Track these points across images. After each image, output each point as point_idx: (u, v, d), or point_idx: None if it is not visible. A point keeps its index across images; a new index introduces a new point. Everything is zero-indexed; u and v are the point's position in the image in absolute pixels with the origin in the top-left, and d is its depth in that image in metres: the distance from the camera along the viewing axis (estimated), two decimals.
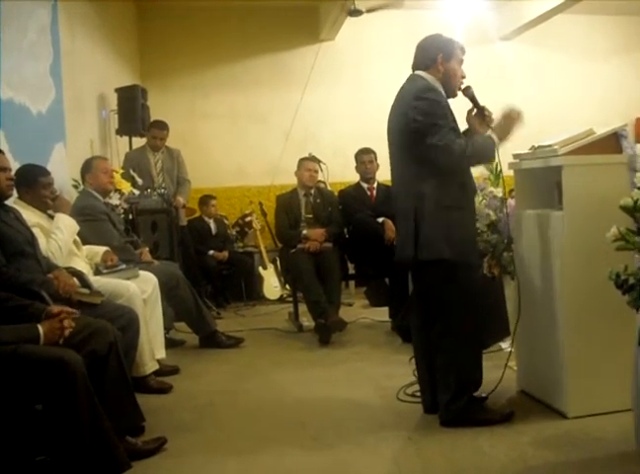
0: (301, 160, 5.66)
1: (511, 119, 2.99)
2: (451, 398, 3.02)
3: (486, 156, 3.01)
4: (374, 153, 5.61)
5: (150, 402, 3.40)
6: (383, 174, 5.71)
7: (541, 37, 7.84)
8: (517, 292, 3.26)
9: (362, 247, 5.33)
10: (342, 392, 3.64)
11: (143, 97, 6.14)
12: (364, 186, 5.60)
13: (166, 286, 4.16)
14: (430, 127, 2.88)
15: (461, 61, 3.12)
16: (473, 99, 3.11)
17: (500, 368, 3.25)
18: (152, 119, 6.10)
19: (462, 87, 3.10)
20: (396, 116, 3.09)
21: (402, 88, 3.14)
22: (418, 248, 2.96)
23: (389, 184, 5.58)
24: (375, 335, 5.05)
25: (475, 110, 3.12)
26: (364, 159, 5.58)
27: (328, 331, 4.77)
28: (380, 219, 5.30)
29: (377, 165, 5.60)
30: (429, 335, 3.12)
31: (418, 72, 3.10)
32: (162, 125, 5.95)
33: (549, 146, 3.06)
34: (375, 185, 5.61)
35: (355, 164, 5.64)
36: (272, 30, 7.67)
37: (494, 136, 2.96)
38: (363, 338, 4.96)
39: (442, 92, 3.04)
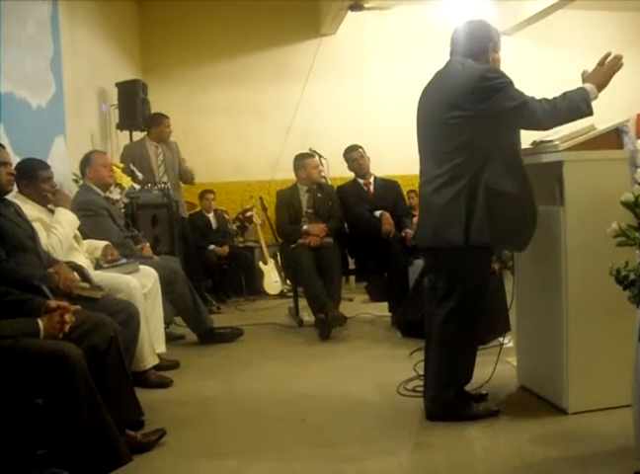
0: (302, 158, 5.59)
1: (608, 65, 2.94)
2: (440, 390, 3.03)
3: (582, 109, 2.86)
4: (362, 148, 5.61)
5: (150, 396, 3.41)
6: (380, 168, 5.75)
7: (542, 32, 7.83)
8: (513, 287, 3.28)
9: (362, 242, 5.34)
10: (342, 387, 3.64)
11: (144, 91, 6.13)
12: (361, 182, 5.59)
13: (164, 281, 4.15)
14: (506, 98, 2.85)
15: (500, 47, 3.14)
16: None
17: (499, 364, 3.26)
18: (154, 113, 6.08)
19: None
20: (443, 101, 2.98)
21: (445, 73, 3.09)
22: (469, 233, 2.89)
23: (387, 178, 5.66)
24: (376, 330, 5.05)
25: None
26: (354, 156, 5.58)
27: (328, 326, 4.78)
28: (378, 212, 5.30)
29: (368, 158, 5.59)
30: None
31: (467, 60, 3.03)
32: (166, 115, 5.99)
33: (550, 142, 3.05)
34: (372, 179, 5.61)
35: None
36: (273, 24, 7.66)
37: (590, 87, 2.88)
38: (364, 333, 4.97)
39: None
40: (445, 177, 2.97)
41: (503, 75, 2.93)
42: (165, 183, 5.60)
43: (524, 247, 3.09)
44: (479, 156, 2.91)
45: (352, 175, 5.71)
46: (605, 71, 2.93)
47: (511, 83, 2.91)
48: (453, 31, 3.14)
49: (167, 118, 5.96)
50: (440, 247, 3.04)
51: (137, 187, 5.19)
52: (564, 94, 2.88)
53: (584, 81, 2.93)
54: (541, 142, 3.14)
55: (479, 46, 3.06)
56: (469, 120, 2.90)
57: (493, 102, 2.86)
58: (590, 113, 2.88)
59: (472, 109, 2.88)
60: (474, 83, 2.88)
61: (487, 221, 2.87)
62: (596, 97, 2.88)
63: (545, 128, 2.97)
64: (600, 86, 2.90)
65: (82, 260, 3.62)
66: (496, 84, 2.87)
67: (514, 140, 3.01)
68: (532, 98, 2.88)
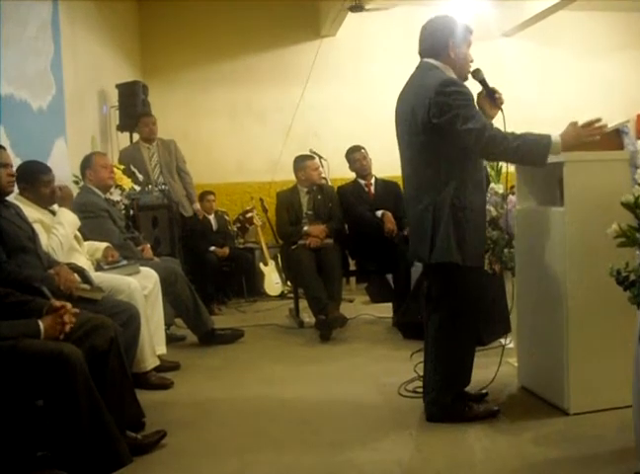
0: (302, 160, 5.59)
1: (589, 130, 2.82)
2: (438, 392, 3.03)
3: (533, 155, 2.80)
4: (364, 148, 5.61)
5: (151, 398, 3.41)
6: (380, 170, 5.74)
7: (543, 33, 7.83)
8: (513, 288, 3.28)
9: (363, 243, 5.34)
10: (342, 388, 3.64)
11: (144, 93, 6.14)
12: (362, 182, 5.60)
13: (164, 283, 4.15)
14: (457, 117, 2.77)
15: (470, 44, 3.04)
16: (483, 81, 3.06)
17: (501, 364, 3.26)
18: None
19: (471, 70, 3.05)
20: (411, 111, 2.95)
21: (414, 78, 3.06)
22: (433, 250, 2.89)
23: (387, 179, 5.66)
24: (376, 331, 5.05)
25: (485, 92, 3.07)
26: (357, 157, 5.58)
27: (329, 327, 4.77)
28: (379, 212, 5.30)
29: (370, 159, 5.59)
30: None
31: (429, 60, 3.00)
32: (148, 112, 5.97)
33: None
34: (373, 180, 5.61)
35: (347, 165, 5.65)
36: (272, 26, 7.66)
37: (556, 138, 2.79)
38: (364, 334, 4.96)
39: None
40: (418, 190, 2.98)
41: (462, 92, 2.85)
42: (164, 184, 5.60)
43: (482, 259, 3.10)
44: (443, 171, 2.89)
45: (352, 176, 5.71)
46: (582, 134, 2.82)
47: (469, 102, 2.84)
48: (420, 30, 3.09)
49: (147, 115, 5.91)
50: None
51: (138, 188, 5.19)
52: (525, 134, 2.81)
53: (562, 133, 2.84)
54: None
55: (438, 43, 2.99)
56: (428, 134, 2.87)
57: (446, 119, 2.80)
58: (541, 164, 2.81)
59: (429, 123, 2.84)
60: (430, 96, 2.83)
61: (454, 239, 2.85)
62: (558, 152, 2.81)
63: (489, 160, 2.91)
64: (569, 146, 2.81)
65: (83, 261, 3.63)
66: (451, 100, 2.81)
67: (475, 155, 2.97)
68: (489, 125, 2.81)
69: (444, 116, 2.80)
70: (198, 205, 6.28)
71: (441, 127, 2.83)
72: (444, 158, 2.89)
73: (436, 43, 3.00)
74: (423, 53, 3.07)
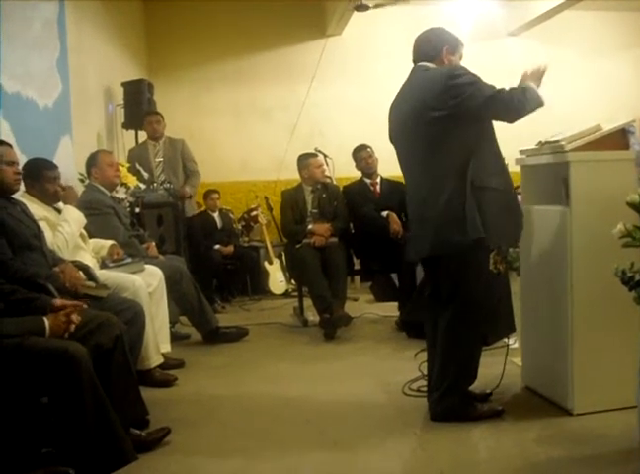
0: (305, 158, 5.59)
1: (539, 70, 2.99)
2: (444, 392, 3.03)
3: (537, 98, 2.90)
4: (370, 147, 5.61)
5: (155, 395, 3.42)
6: (386, 169, 5.75)
7: (549, 32, 7.81)
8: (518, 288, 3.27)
9: (368, 242, 5.33)
10: (346, 387, 3.64)
11: (149, 91, 6.15)
12: (368, 181, 5.60)
13: (169, 281, 4.16)
14: (478, 90, 2.84)
15: (462, 57, 3.13)
16: None
17: (505, 364, 3.26)
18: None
19: None
20: (421, 106, 2.96)
21: (413, 80, 3.09)
22: (467, 232, 2.86)
23: (393, 179, 5.66)
24: (380, 330, 5.05)
25: None
26: (364, 155, 5.58)
27: (333, 326, 4.78)
28: (385, 213, 5.30)
29: (376, 158, 5.60)
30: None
31: (424, 64, 3.07)
32: (152, 111, 5.96)
33: (556, 142, 3.05)
34: (379, 179, 5.61)
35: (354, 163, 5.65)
36: (278, 25, 7.67)
37: (527, 83, 2.93)
38: (369, 333, 4.96)
39: None
40: (432, 184, 2.97)
41: (469, 71, 2.93)
42: (169, 182, 5.61)
43: (517, 242, 3.09)
44: (461, 155, 2.90)
45: (357, 174, 5.71)
46: (534, 78, 2.98)
47: (478, 78, 2.91)
48: (414, 40, 3.16)
49: (150, 114, 5.89)
50: (440, 255, 3.04)
51: (143, 186, 5.20)
52: (519, 87, 2.90)
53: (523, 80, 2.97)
54: (547, 143, 3.14)
55: (433, 49, 3.08)
56: (444, 120, 2.90)
57: (465, 98, 2.85)
58: (543, 102, 2.92)
59: (446, 107, 2.88)
60: (444, 81, 2.89)
61: (478, 218, 2.86)
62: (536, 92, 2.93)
63: (512, 119, 2.92)
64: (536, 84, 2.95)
65: (88, 259, 3.64)
66: (464, 80, 2.88)
67: (490, 134, 3.00)
68: (501, 89, 2.88)
69: (462, 95, 2.85)
70: (187, 189, 5.88)
71: (460, 108, 2.86)
72: (462, 143, 2.91)
73: (431, 49, 3.09)
74: (417, 60, 3.13)
